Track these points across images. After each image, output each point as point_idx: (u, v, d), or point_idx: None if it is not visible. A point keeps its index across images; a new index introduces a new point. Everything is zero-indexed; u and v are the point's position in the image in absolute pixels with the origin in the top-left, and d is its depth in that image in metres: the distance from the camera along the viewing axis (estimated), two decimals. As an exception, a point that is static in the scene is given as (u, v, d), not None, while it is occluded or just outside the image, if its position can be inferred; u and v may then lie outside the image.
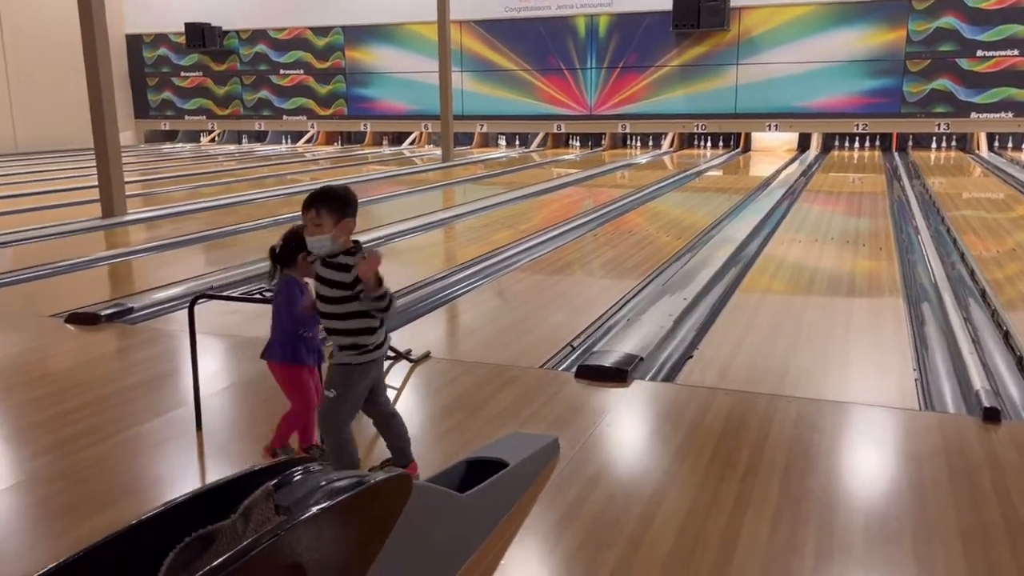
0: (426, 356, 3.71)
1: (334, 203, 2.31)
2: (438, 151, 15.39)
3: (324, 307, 2.35)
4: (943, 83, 14.83)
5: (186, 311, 3.00)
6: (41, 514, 2.43)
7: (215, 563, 1.26)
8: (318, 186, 2.37)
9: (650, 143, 17.32)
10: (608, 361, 3.50)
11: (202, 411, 2.97)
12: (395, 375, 3.50)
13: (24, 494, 2.54)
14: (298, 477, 1.69)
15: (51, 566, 1.34)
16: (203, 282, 5.35)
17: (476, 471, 2.36)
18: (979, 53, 14.57)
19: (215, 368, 3.66)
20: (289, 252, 2.60)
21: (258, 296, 2.92)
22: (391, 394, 3.32)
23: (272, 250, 2.65)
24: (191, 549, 1.39)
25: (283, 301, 2.61)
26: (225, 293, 3.04)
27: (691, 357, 3.71)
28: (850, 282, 5.17)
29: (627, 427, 3.00)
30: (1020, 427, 2.95)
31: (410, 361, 3.63)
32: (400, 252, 6.62)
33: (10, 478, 2.62)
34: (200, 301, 3.02)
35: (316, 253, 2.32)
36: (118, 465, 2.69)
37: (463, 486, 2.22)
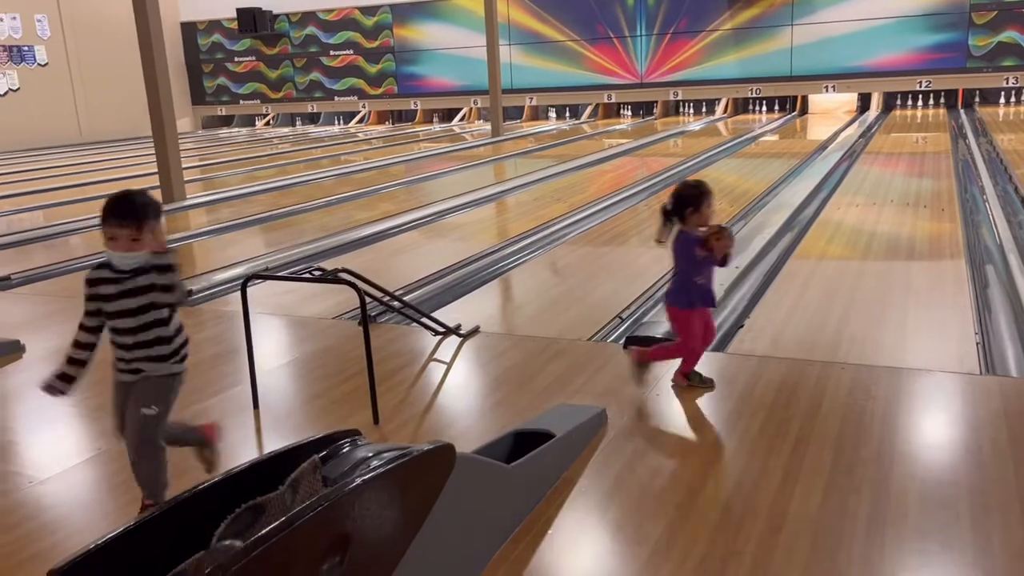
0: (475, 331, 3.74)
1: (154, 215, 2.14)
2: (488, 126, 15.37)
3: (127, 323, 2.15)
4: (1011, 35, 14.17)
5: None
6: (110, 487, 2.55)
7: (263, 532, 1.31)
8: (117, 194, 2.16)
9: (703, 110, 17.00)
10: (656, 332, 3.47)
11: (259, 389, 3.05)
12: (445, 350, 3.54)
13: (95, 468, 2.66)
14: (345, 450, 1.74)
15: (111, 534, 1.41)
16: (261, 263, 5.48)
17: (523, 442, 2.38)
18: (1050, 1, 13.87)
19: (271, 347, 3.76)
20: (681, 208, 2.85)
21: (307, 275, 2.97)
22: (441, 370, 3.37)
23: (663, 208, 2.90)
24: (242, 519, 1.45)
25: (680, 251, 2.87)
26: (275, 273, 3.11)
27: (742, 326, 3.66)
28: (909, 246, 5.02)
29: (676, 397, 2.99)
30: (1088, 391, 2.85)
31: (459, 336, 3.66)
32: (452, 228, 6.67)
33: (83, 453, 2.75)
34: (252, 282, 3.09)
35: (128, 267, 2.13)
36: (180, 441, 2.79)
37: (510, 458, 2.25)
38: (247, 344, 3.03)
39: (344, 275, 2.91)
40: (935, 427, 2.67)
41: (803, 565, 1.95)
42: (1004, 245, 4.82)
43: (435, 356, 3.49)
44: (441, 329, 3.64)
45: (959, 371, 3.00)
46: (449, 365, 3.41)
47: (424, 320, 3.63)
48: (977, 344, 3.28)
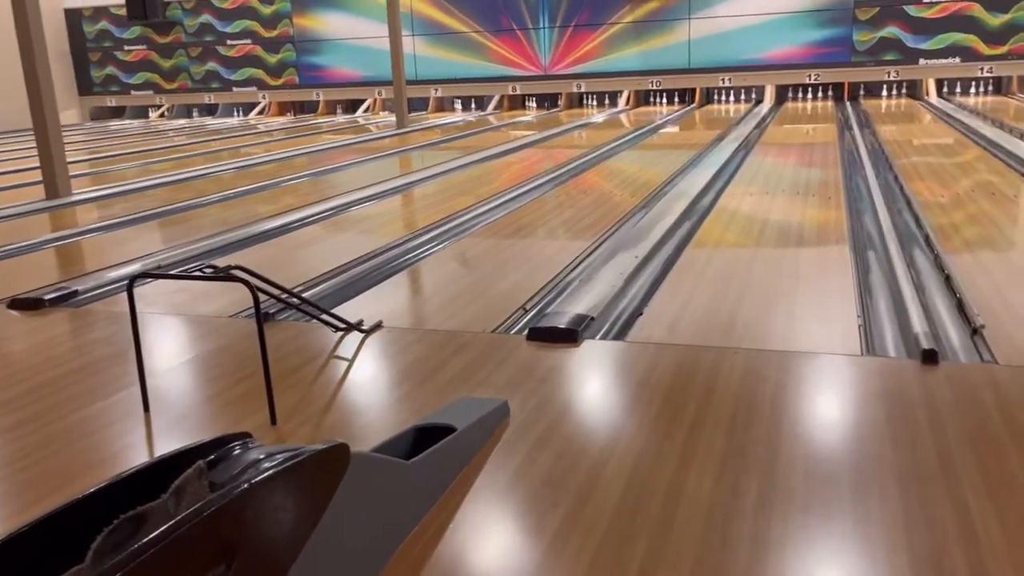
0: (378, 326, 3.70)
1: None
2: (393, 118, 15.20)
3: None
4: (892, 31, 14.95)
5: (138, 290, 2.95)
6: (-15, 503, 2.40)
7: (142, 542, 1.26)
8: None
9: (606, 102, 17.27)
10: (559, 323, 3.52)
11: (151, 391, 2.93)
12: (347, 346, 3.49)
13: (-33, 484, 2.50)
14: (235, 453, 1.68)
15: (-26, 555, 1.33)
16: (155, 260, 5.27)
17: (425, 438, 2.37)
18: (926, -1, 14.70)
19: (164, 347, 3.62)
20: None
21: (198, 273, 2.87)
22: (342, 367, 3.32)
23: None
24: (121, 531, 1.39)
25: None
26: (165, 271, 2.99)
27: (640, 314, 3.74)
28: (799, 233, 5.24)
29: (576, 387, 3.03)
30: (957, 368, 3.04)
31: (361, 332, 3.61)
32: (357, 221, 6.57)
33: (-48, 469, 2.58)
34: (140, 281, 2.97)
35: None
36: (63, 449, 2.66)
37: (411, 453, 2.23)
38: (135, 345, 2.91)
39: (237, 272, 2.82)
40: (821, 407, 2.79)
41: (696, 545, 2.01)
42: (885, 232, 5.08)
43: (336, 353, 3.44)
44: (342, 325, 3.59)
45: (843, 352, 3.16)
46: (350, 362, 3.36)
47: (324, 316, 3.56)
48: (859, 326, 3.46)
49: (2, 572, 1.36)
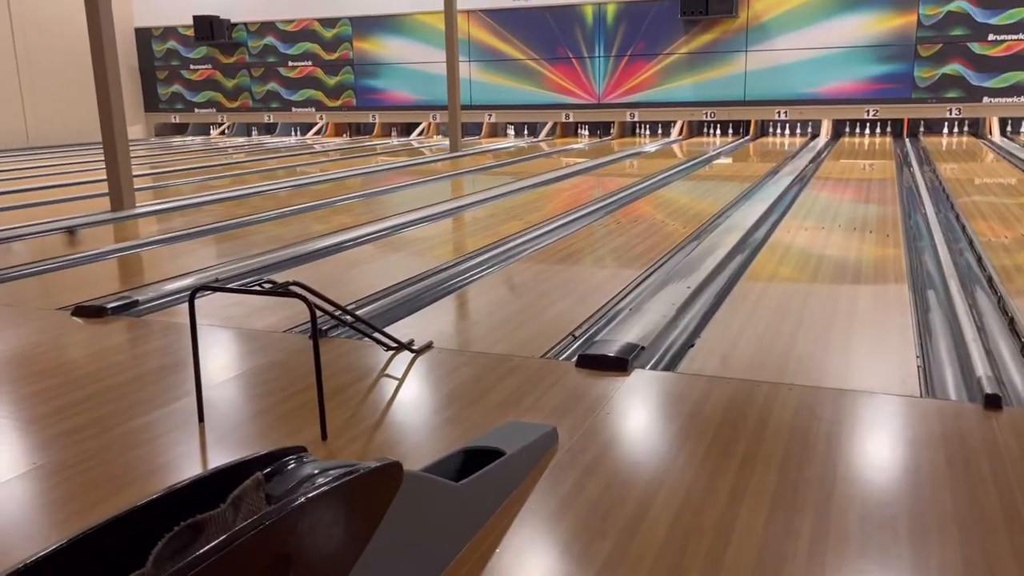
0: (428, 346, 3.72)
1: None
2: (446, 141, 15.38)
3: None
4: (955, 68, 14.69)
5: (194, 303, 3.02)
6: (43, 504, 2.47)
7: (202, 551, 1.28)
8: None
9: (659, 131, 17.25)
10: (609, 351, 3.50)
11: (205, 402, 2.99)
12: (396, 365, 3.52)
13: (27, 484, 2.57)
14: (290, 466, 1.71)
15: (37, 555, 1.36)
16: (211, 273, 5.39)
17: (473, 460, 2.37)
18: (991, 37, 14.43)
19: (218, 360, 3.69)
20: None
21: (257, 287, 2.93)
22: (392, 385, 3.34)
23: None
24: (180, 538, 1.41)
25: None
26: (224, 285, 3.06)
27: (692, 346, 3.71)
28: (855, 269, 5.14)
29: (626, 416, 3.01)
30: (1021, 414, 2.94)
31: (412, 351, 3.64)
32: (408, 242, 6.64)
33: (15, 469, 2.66)
34: (201, 294, 3.04)
35: None
36: (120, 456, 2.72)
37: (459, 475, 2.23)
38: (194, 356, 2.98)
39: (295, 287, 2.87)
40: (876, 448, 2.72)
41: (747, 584, 1.97)
42: (945, 271, 4.97)
43: (386, 372, 3.47)
44: (393, 344, 3.62)
45: (900, 393, 3.08)
46: (400, 381, 3.38)
47: (376, 335, 3.60)
48: (918, 367, 3.37)
49: (65, 574, 1.39)
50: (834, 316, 4.16)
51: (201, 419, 2.96)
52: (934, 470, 2.49)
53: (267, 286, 2.93)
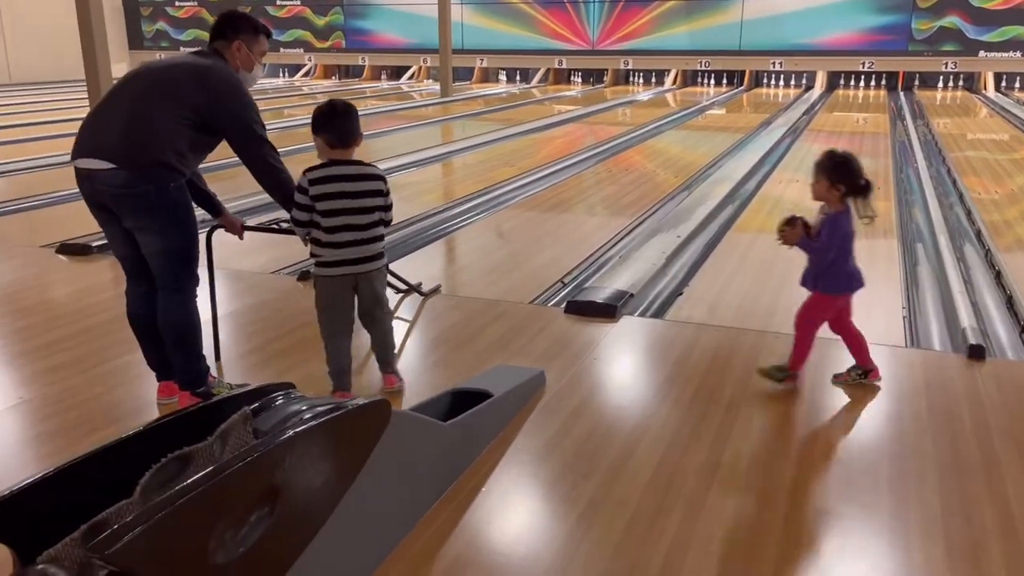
0: (436, 290, 3.72)
1: None
2: (437, 86, 15.15)
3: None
4: (953, 20, 14.51)
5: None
6: (31, 437, 2.47)
7: (189, 481, 1.28)
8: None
9: (653, 80, 17.04)
10: (598, 297, 3.50)
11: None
12: (405, 309, 3.52)
13: (15, 418, 2.57)
14: (278, 402, 1.70)
15: (26, 481, 1.36)
16: (199, 212, 5.31)
17: (461, 402, 2.38)
18: (991, -11, 14.24)
19: (207, 299, 3.66)
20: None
21: (275, 227, 2.90)
22: (404, 326, 3.33)
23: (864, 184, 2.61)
24: (167, 469, 1.41)
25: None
26: (249, 224, 3.02)
27: (680, 294, 3.71)
28: (846, 221, 5.13)
29: (613, 362, 3.02)
30: (1004, 365, 2.97)
31: (421, 294, 3.64)
32: (397, 187, 6.56)
33: (4, 402, 2.65)
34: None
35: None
36: (105, 394, 2.72)
37: (448, 416, 2.24)
38: (211, 294, 2.98)
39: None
40: (861, 395, 2.75)
41: (730, 524, 2.01)
42: (935, 225, 4.97)
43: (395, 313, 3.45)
44: (404, 287, 3.60)
45: (886, 343, 3.10)
46: (412, 323, 3.37)
47: (389, 278, 3.58)
48: (904, 318, 3.39)
49: (54, 502, 1.39)
50: (823, 267, 4.16)
51: (218, 357, 2.96)
52: (916, 418, 2.52)
53: (285, 226, 2.87)
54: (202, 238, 2.67)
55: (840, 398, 2.70)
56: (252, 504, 1.38)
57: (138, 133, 2.38)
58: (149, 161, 2.36)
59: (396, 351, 2.78)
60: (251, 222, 3.10)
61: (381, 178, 2.65)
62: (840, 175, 2.58)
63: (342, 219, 2.52)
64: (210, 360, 2.95)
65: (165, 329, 2.50)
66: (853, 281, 2.66)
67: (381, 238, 2.61)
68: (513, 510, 2.11)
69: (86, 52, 7.83)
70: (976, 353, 2.93)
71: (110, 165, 2.34)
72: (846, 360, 2.96)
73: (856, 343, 2.74)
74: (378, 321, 2.66)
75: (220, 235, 2.95)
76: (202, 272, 2.64)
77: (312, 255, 2.57)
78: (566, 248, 4.54)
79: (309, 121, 2.64)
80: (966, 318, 3.26)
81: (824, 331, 3.20)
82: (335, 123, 2.56)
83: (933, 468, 2.24)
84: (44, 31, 17.87)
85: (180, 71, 2.48)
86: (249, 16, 2.66)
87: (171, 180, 2.42)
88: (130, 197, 2.36)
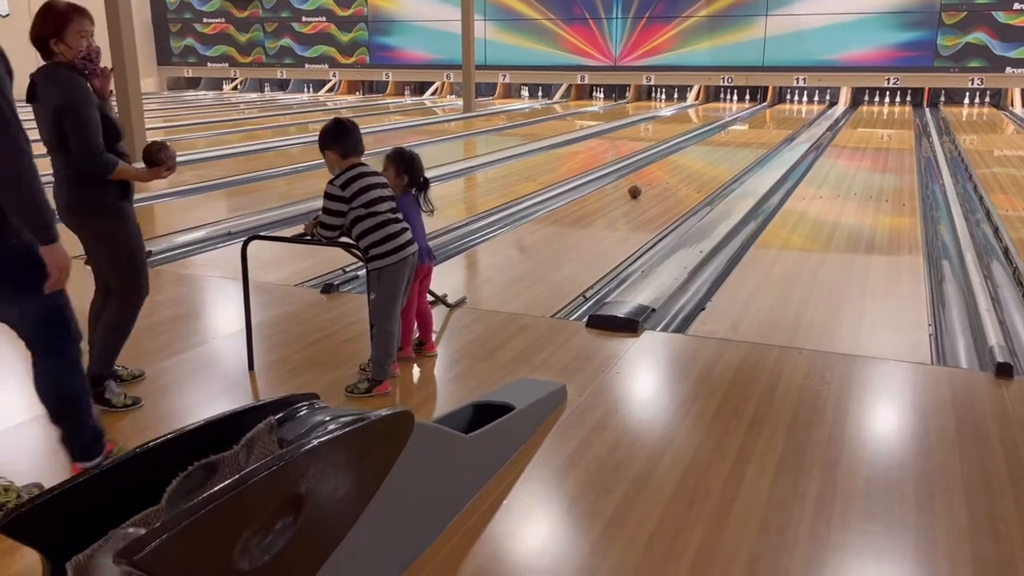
0: (462, 302, 3.74)
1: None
2: (460, 101, 15.26)
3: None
4: (979, 36, 14.41)
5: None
6: (56, 448, 2.50)
7: (215, 489, 1.29)
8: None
9: (675, 96, 17.04)
10: (620, 311, 3.50)
11: (217, 352, 3.02)
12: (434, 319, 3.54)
13: (40, 427, 2.60)
14: (302, 413, 1.72)
15: (54, 490, 1.38)
16: (223, 227, 5.38)
17: (483, 414, 2.38)
18: (1016, 6, 14.13)
19: (230, 311, 3.71)
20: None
21: (308, 238, 2.94)
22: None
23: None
24: (194, 477, 1.43)
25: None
26: (276, 235, 3.07)
27: (703, 309, 3.70)
28: (870, 238, 5.10)
29: (635, 376, 3.01)
30: (1033, 384, 2.93)
31: (447, 306, 3.66)
32: (418, 201, 6.61)
33: (28, 412, 2.69)
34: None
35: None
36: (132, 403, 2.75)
37: (469, 428, 2.25)
38: (245, 305, 3.02)
39: (344, 240, 2.86)
40: (886, 413, 2.73)
41: (751, 541, 1.99)
42: (961, 242, 4.92)
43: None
44: (430, 298, 3.62)
45: (911, 360, 3.07)
46: (439, 334, 3.38)
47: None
48: (930, 335, 3.36)
49: (83, 509, 1.41)
50: (846, 284, 4.13)
51: (251, 367, 2.99)
52: (943, 435, 2.49)
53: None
54: (236, 252, 2.70)
55: (865, 415, 2.68)
56: (277, 512, 1.40)
57: None
58: None
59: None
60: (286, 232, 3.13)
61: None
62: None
63: (387, 204, 2.76)
64: (243, 371, 2.99)
65: (43, 400, 2.18)
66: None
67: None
68: (535, 524, 2.11)
69: (116, 67, 7.96)
70: (1004, 371, 2.90)
71: None
72: (873, 378, 2.94)
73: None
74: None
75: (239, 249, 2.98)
76: (237, 285, 2.66)
77: (370, 256, 2.73)
78: (587, 262, 4.54)
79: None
80: (993, 335, 3.22)
81: (850, 347, 3.18)
82: (348, 136, 2.79)
83: (960, 486, 2.21)
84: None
85: None
86: None
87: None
88: None
